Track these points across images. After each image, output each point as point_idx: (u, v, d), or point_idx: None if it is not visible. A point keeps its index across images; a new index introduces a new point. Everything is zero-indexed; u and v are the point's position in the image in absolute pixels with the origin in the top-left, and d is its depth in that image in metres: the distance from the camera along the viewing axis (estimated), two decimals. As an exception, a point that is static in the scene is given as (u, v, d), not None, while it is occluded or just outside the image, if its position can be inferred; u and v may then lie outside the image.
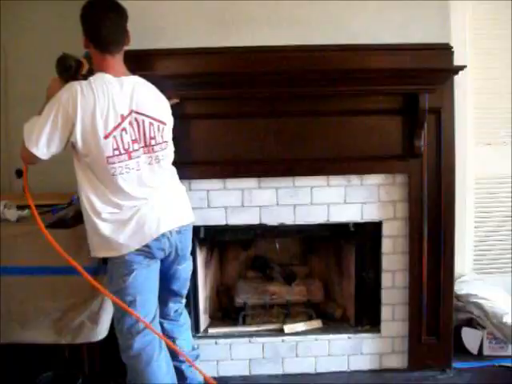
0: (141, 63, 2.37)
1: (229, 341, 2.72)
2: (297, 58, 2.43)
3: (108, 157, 1.85)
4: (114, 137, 1.85)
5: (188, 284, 2.24)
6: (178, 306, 2.24)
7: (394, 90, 2.47)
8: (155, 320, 2.04)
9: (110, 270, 2.00)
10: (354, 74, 2.39)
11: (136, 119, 1.90)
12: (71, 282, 2.28)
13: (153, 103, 1.98)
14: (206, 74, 2.39)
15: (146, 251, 1.95)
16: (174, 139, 2.12)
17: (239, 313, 2.88)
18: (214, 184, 2.59)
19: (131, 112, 1.89)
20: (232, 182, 2.59)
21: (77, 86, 1.83)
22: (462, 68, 2.38)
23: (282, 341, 2.73)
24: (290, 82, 2.40)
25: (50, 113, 1.82)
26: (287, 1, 2.44)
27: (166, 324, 2.20)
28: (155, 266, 2.03)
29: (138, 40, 2.37)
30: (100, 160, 1.85)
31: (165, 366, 2.04)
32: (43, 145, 1.84)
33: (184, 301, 2.27)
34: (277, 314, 2.95)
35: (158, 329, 2.07)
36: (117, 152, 1.86)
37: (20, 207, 2.56)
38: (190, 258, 2.21)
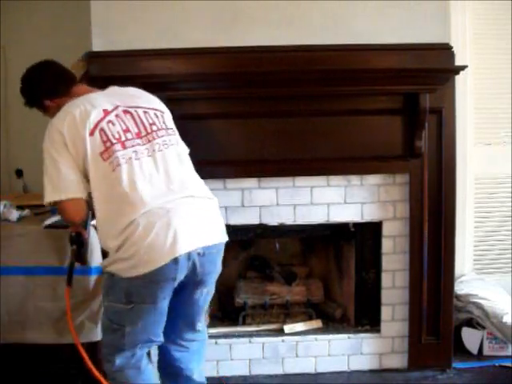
0: (141, 63, 2.38)
1: (229, 341, 2.72)
2: (297, 57, 2.43)
3: (101, 153, 1.72)
4: (101, 129, 1.74)
5: (204, 312, 1.99)
6: (191, 336, 1.98)
7: (394, 90, 2.47)
8: (144, 349, 1.85)
9: (108, 282, 1.80)
10: (355, 73, 2.39)
11: (127, 111, 1.82)
12: (71, 282, 2.28)
13: (141, 96, 1.93)
14: (206, 74, 2.39)
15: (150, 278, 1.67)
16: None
17: (239, 313, 2.88)
18: (214, 184, 2.57)
19: (117, 106, 1.81)
20: (232, 182, 2.58)
21: (51, 122, 1.80)
22: (462, 68, 2.38)
23: (282, 341, 2.73)
24: (290, 82, 2.40)
25: (48, 157, 1.76)
26: (287, 1, 2.43)
27: (174, 351, 1.96)
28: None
29: (139, 40, 2.39)
30: (98, 163, 1.73)
31: (151, 374, 1.92)
32: (68, 182, 1.73)
33: (200, 327, 1.98)
34: (277, 314, 2.95)
35: (149, 358, 1.94)
36: (108, 144, 1.73)
37: (20, 207, 2.55)
38: (213, 284, 1.93)
